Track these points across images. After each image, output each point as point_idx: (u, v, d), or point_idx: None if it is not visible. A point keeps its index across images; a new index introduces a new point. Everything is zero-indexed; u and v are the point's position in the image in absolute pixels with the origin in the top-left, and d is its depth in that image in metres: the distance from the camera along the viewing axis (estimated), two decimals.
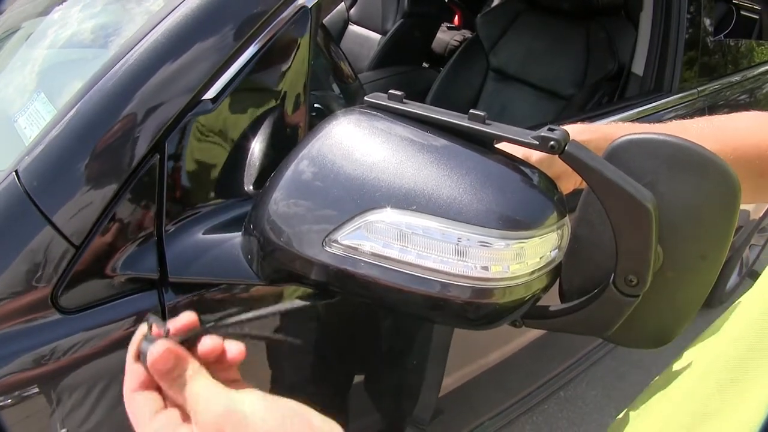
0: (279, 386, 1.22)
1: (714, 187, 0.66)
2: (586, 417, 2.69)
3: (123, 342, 0.99)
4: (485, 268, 0.66)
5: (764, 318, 0.56)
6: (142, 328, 0.55)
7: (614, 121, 1.88)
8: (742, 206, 0.78)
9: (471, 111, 0.67)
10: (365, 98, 0.73)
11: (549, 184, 0.70)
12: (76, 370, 0.96)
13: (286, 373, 1.23)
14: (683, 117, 2.09)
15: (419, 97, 3.03)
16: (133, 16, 1.29)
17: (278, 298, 1.13)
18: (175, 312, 1.01)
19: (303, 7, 1.06)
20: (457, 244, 0.65)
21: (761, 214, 3.16)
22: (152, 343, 0.53)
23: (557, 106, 2.73)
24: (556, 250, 0.70)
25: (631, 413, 0.75)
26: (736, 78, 2.42)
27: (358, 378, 1.39)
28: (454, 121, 0.68)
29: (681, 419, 0.60)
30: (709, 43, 2.25)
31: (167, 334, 0.55)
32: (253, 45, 1.02)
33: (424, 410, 1.63)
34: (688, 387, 0.64)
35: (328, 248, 0.71)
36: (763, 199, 0.83)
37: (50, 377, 0.95)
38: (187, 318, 0.57)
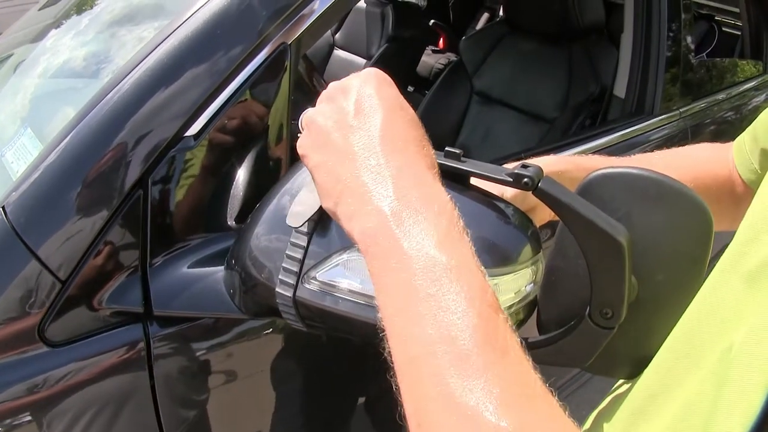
0: (267, 418, 1.23)
1: (688, 219, 0.67)
2: None
3: (108, 374, 1.00)
4: None
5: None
6: None
7: (598, 144, 1.90)
8: None
9: (446, 149, 0.68)
10: None
11: (523, 220, 0.71)
12: (62, 402, 0.96)
13: (273, 404, 1.23)
14: (666, 138, 2.10)
15: None
16: (110, 49, 1.30)
17: (261, 331, 1.13)
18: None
19: (282, 44, 1.07)
20: None
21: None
22: None
23: (541, 129, 2.73)
24: (531, 284, 0.71)
25: None
26: (719, 97, 2.42)
27: (346, 404, 1.39)
28: None
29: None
30: (691, 62, 2.26)
31: None
32: (234, 81, 1.03)
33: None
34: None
35: (307, 285, 0.72)
36: (718, 224, 0.86)
37: (36, 409, 0.95)
38: None
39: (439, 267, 0.51)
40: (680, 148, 1.03)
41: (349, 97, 0.63)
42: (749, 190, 0.94)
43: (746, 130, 0.94)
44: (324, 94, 0.66)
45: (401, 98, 0.64)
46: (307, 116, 0.66)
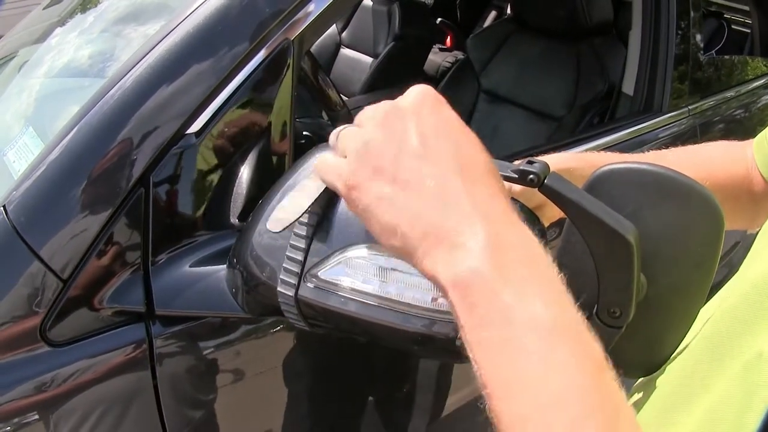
0: (270, 418, 1.22)
1: (698, 215, 0.66)
2: None
3: (111, 374, 1.00)
4: None
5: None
6: None
7: (606, 142, 1.88)
8: None
9: None
10: None
11: (529, 216, 0.70)
12: (64, 403, 0.96)
13: (277, 405, 1.23)
14: (675, 136, 2.09)
15: None
16: (113, 47, 1.30)
17: (266, 330, 1.13)
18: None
19: (285, 40, 1.07)
20: None
21: (757, 229, 3.12)
22: None
23: (548, 127, 2.72)
24: None
25: None
26: (728, 95, 2.39)
27: (349, 406, 1.38)
28: None
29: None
30: (700, 60, 2.24)
31: None
32: (236, 78, 1.03)
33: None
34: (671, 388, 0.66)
35: (309, 283, 0.70)
36: (735, 222, 0.84)
37: (38, 410, 0.95)
38: None
39: (544, 323, 0.47)
40: (694, 145, 1.01)
41: (407, 121, 0.56)
42: None
43: None
44: (367, 115, 0.59)
45: (460, 119, 0.58)
46: (350, 137, 0.59)
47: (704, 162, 0.95)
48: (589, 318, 0.67)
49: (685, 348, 0.69)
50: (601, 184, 0.67)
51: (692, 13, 2.17)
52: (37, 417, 0.95)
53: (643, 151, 1.00)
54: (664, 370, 0.70)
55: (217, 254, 1.04)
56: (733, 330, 0.56)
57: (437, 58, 4.36)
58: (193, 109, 0.99)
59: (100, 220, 0.95)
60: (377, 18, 3.90)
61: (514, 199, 0.71)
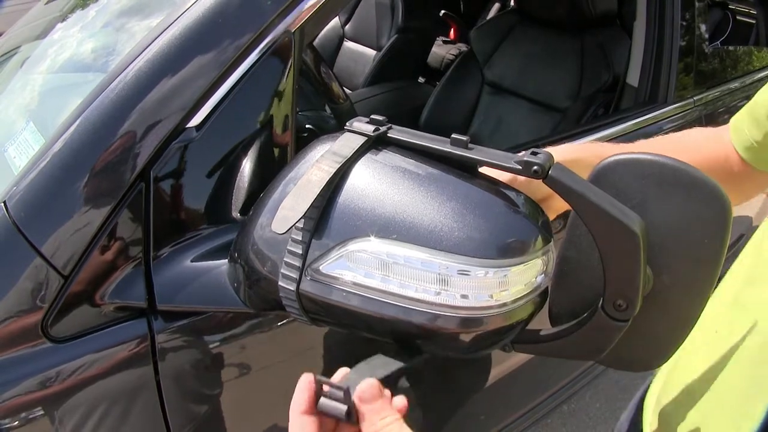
0: (275, 414, 1.22)
1: (704, 206, 0.65)
2: (590, 430, 2.66)
3: (113, 370, 0.99)
4: (465, 297, 0.64)
5: None
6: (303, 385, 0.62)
7: (611, 133, 1.88)
8: (744, 213, 0.79)
9: (453, 136, 0.66)
10: (345, 125, 0.72)
11: (533, 209, 0.69)
12: (66, 399, 0.96)
13: (282, 400, 1.21)
14: (680, 127, 2.08)
15: (415, 113, 3.02)
16: (115, 42, 1.29)
17: (269, 325, 1.12)
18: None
19: (286, 32, 1.06)
20: (439, 274, 0.64)
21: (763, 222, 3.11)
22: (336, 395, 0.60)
23: (553, 119, 2.71)
24: (542, 275, 0.69)
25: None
26: (733, 85, 2.39)
27: None
28: (435, 147, 0.67)
29: None
30: (705, 51, 2.24)
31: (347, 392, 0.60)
32: (237, 70, 1.02)
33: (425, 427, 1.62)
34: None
35: (310, 278, 0.70)
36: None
37: (40, 406, 0.95)
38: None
39: None
40: (677, 132, 1.04)
41: None
42: (748, 168, 0.96)
43: (744, 110, 0.97)
44: None
45: None
46: None
47: (686, 147, 0.97)
48: (594, 311, 0.67)
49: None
50: (606, 175, 0.66)
51: (697, 4, 2.17)
52: (39, 413, 0.95)
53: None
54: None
55: (218, 249, 1.03)
56: None
57: (441, 50, 4.36)
58: (194, 102, 0.99)
59: (101, 216, 0.94)
60: (380, 10, 3.90)
61: (518, 191, 0.70)
